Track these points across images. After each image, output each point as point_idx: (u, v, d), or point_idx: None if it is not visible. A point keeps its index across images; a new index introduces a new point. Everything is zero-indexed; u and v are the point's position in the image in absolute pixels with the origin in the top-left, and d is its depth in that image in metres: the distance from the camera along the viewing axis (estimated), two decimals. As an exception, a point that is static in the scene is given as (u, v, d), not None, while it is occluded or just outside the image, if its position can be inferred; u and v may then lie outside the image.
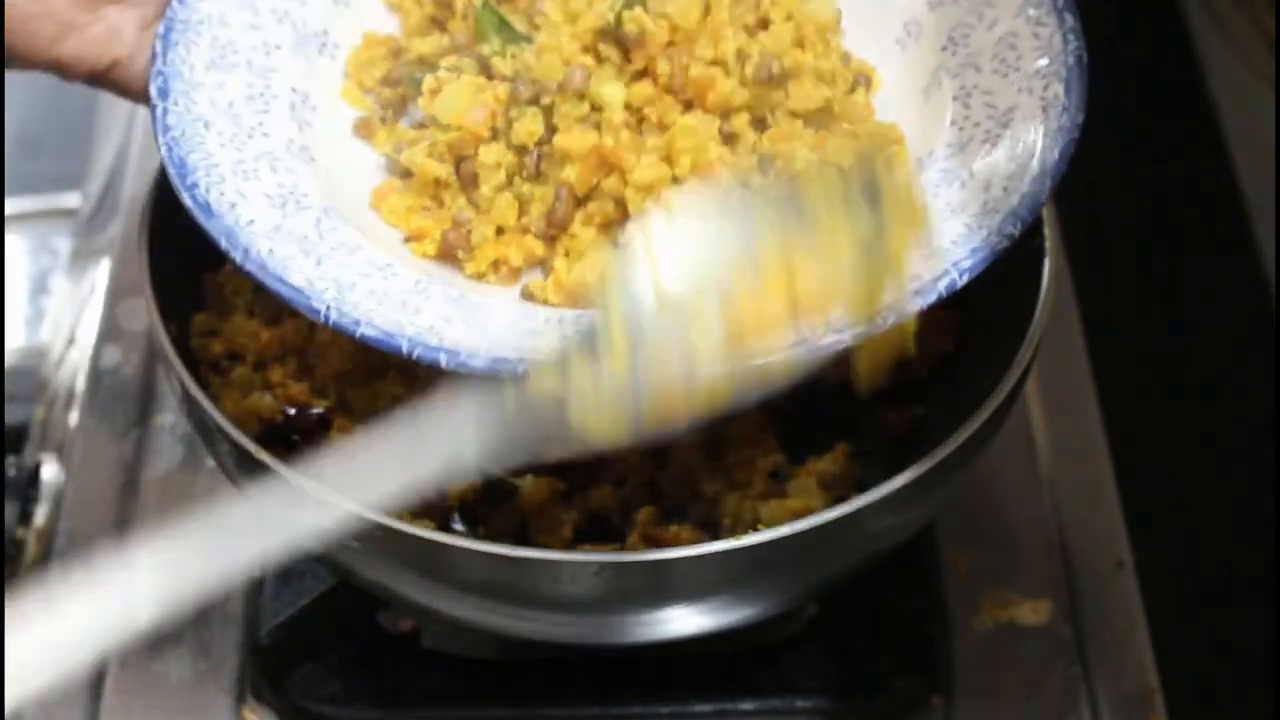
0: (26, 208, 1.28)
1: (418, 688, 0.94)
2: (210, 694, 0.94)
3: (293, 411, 0.90)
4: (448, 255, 0.81)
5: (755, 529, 0.89)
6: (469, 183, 0.82)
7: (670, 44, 0.80)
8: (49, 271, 1.23)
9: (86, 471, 1.03)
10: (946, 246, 0.76)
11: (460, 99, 0.81)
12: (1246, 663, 1.02)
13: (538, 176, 0.81)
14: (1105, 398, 1.05)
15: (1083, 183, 1.20)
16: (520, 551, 0.77)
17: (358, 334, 0.74)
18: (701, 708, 0.92)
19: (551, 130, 0.81)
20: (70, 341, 1.11)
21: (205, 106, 0.81)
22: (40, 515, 1.02)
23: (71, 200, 1.23)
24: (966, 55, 0.84)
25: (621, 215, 0.80)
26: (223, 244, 0.76)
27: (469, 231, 0.81)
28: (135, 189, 1.16)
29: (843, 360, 1.00)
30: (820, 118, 0.83)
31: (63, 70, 0.82)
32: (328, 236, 0.79)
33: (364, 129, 0.87)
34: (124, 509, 1.01)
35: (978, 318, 0.94)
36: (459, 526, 0.89)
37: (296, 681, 0.94)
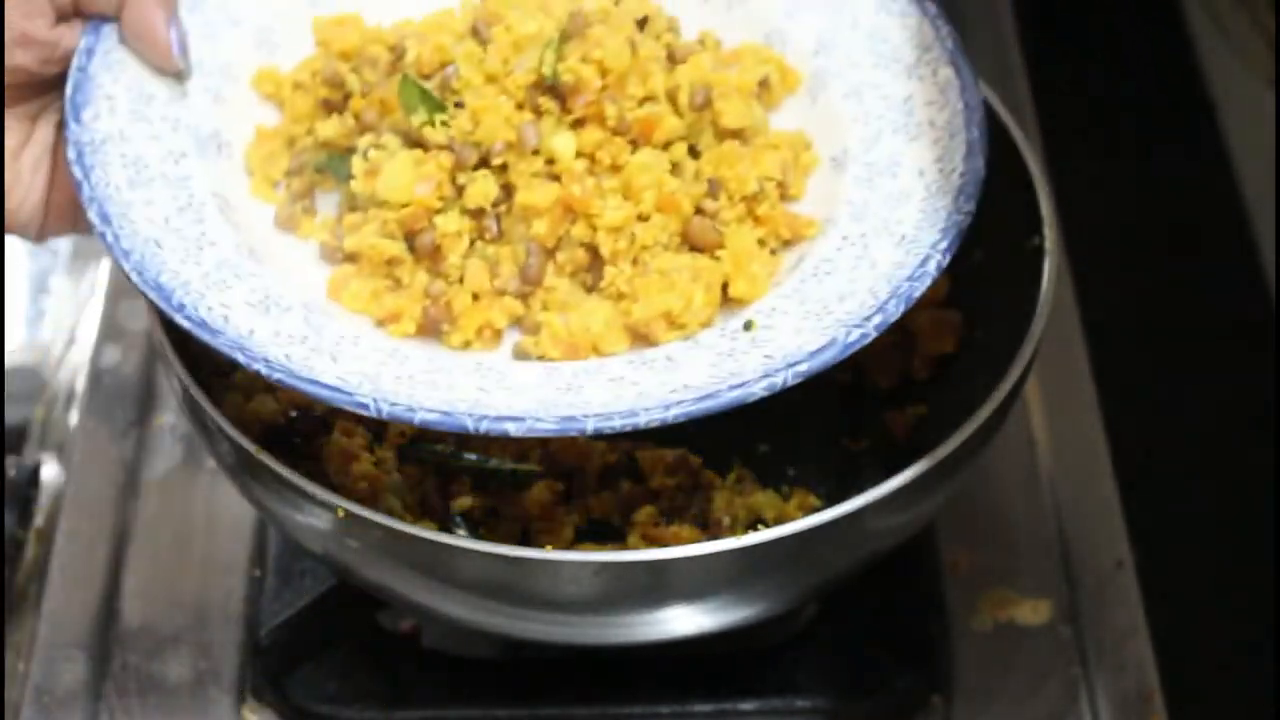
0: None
1: (418, 688, 0.94)
2: (210, 694, 0.94)
3: (294, 414, 0.90)
4: (430, 330, 0.81)
5: (754, 528, 0.90)
6: (429, 255, 0.81)
7: (604, 87, 0.82)
8: (49, 271, 1.23)
9: (86, 471, 1.03)
10: (910, 232, 0.80)
11: (403, 175, 0.81)
12: (1247, 663, 1.02)
13: (500, 237, 0.81)
14: (1105, 398, 1.05)
15: (1083, 183, 1.20)
16: (520, 551, 0.77)
17: (416, 420, 0.74)
18: (701, 708, 0.92)
19: (506, 189, 0.81)
20: (70, 341, 1.11)
21: (146, 226, 0.79)
22: (40, 515, 1.02)
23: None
24: (841, 55, 0.87)
25: (593, 259, 0.82)
26: (240, 359, 0.75)
27: (448, 303, 0.80)
28: (135, 189, 1.16)
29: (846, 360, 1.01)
30: (744, 134, 0.85)
31: None
32: (324, 332, 0.78)
33: (287, 222, 0.85)
34: (124, 509, 1.01)
35: (978, 318, 0.94)
36: (461, 530, 0.89)
37: (296, 681, 0.94)
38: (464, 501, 0.91)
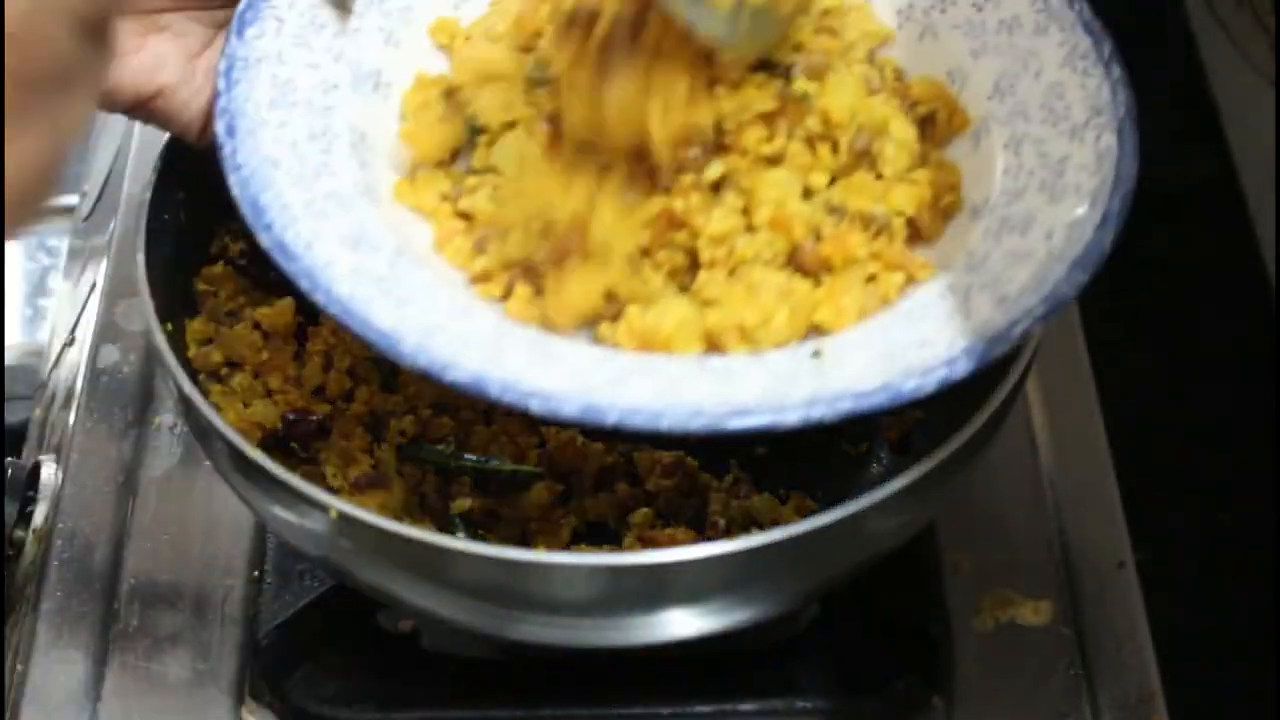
0: (25, 207, 1.28)
1: (417, 688, 0.94)
2: (210, 694, 0.94)
3: (292, 417, 0.90)
4: (518, 298, 0.80)
5: (750, 531, 0.90)
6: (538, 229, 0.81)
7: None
8: (47, 271, 1.23)
9: (85, 471, 1.03)
10: (1014, 293, 0.76)
11: (522, 150, 0.82)
12: (1247, 663, 1.02)
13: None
14: (1105, 398, 1.05)
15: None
16: (517, 554, 0.77)
17: (446, 379, 0.73)
18: (701, 708, 0.92)
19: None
20: (69, 341, 1.11)
21: (271, 145, 0.81)
22: (39, 515, 1.02)
23: (70, 200, 1.22)
24: (1014, 104, 0.84)
25: (690, 264, 0.81)
26: (304, 285, 0.76)
27: (541, 274, 0.80)
28: (133, 189, 1.16)
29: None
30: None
31: (106, 99, 0.82)
32: (404, 279, 0.78)
33: (417, 171, 0.86)
34: (122, 509, 1.01)
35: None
36: (460, 531, 0.89)
37: (296, 682, 0.94)
38: (463, 503, 0.91)
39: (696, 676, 0.93)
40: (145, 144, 1.18)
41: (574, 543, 0.91)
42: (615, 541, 0.91)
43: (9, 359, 1.14)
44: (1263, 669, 0.99)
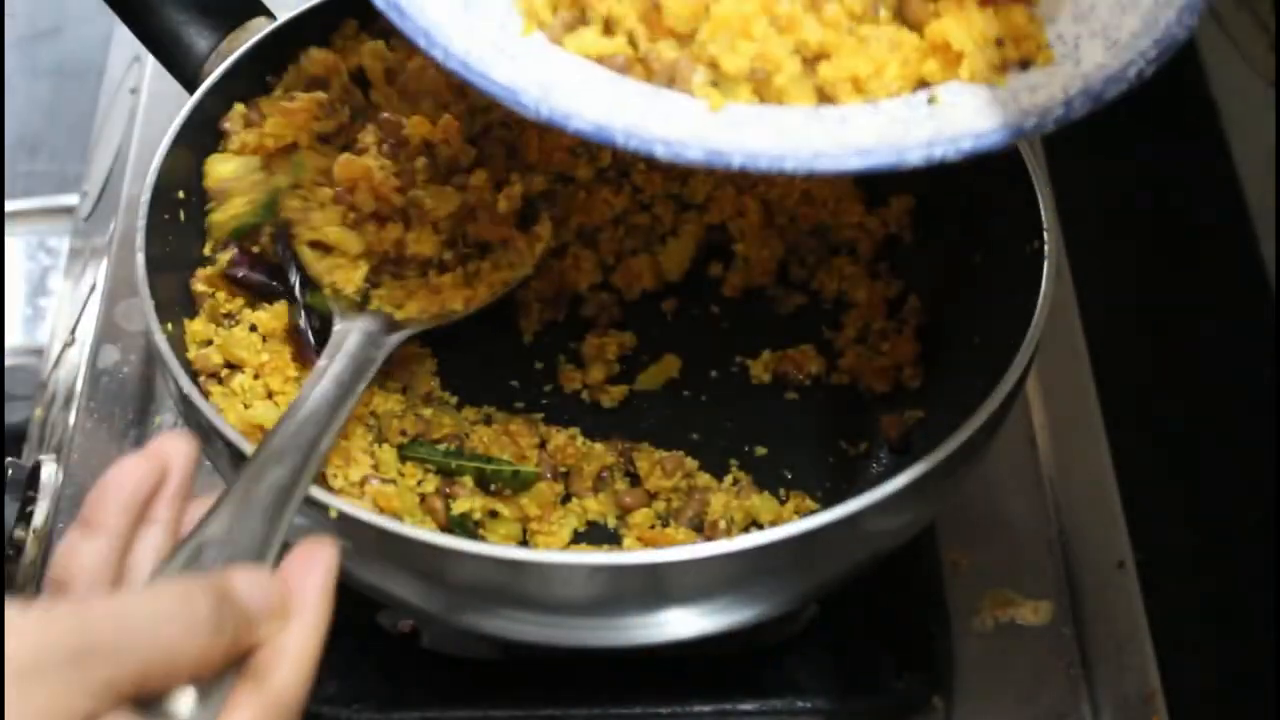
0: (25, 207, 1.29)
1: (417, 688, 0.93)
2: (209, 694, 0.94)
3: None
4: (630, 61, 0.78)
5: (749, 530, 0.90)
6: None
7: None
8: (48, 271, 1.24)
9: (85, 471, 1.03)
10: (1125, 38, 0.76)
11: None
12: (1248, 663, 1.02)
13: None
14: (1105, 398, 1.05)
15: (1083, 182, 1.20)
16: (517, 554, 0.77)
17: (570, 128, 0.72)
18: (701, 708, 0.92)
19: None
20: (69, 341, 1.11)
21: None
22: (39, 515, 1.02)
23: (70, 200, 1.23)
24: None
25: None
26: (421, 43, 0.75)
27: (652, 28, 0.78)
28: (133, 189, 1.16)
29: (847, 361, 1.00)
30: None
31: None
32: (515, 40, 0.77)
33: None
34: (123, 509, 1.01)
35: (977, 318, 0.94)
36: (460, 532, 0.89)
37: (295, 682, 0.93)
38: (464, 503, 0.91)
39: (696, 676, 0.93)
40: (145, 144, 1.18)
41: (574, 543, 0.91)
42: (615, 541, 0.91)
43: (9, 359, 1.14)
44: (1262, 669, 0.99)
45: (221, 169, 0.94)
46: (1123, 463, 1.02)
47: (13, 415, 1.09)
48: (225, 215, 0.94)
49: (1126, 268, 1.20)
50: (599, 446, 0.94)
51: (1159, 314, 1.17)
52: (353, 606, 0.92)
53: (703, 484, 0.94)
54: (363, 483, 0.89)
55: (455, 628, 0.90)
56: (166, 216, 0.90)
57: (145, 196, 0.88)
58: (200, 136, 0.93)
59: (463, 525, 0.89)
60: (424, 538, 0.77)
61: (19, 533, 1.01)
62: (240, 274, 0.93)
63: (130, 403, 1.06)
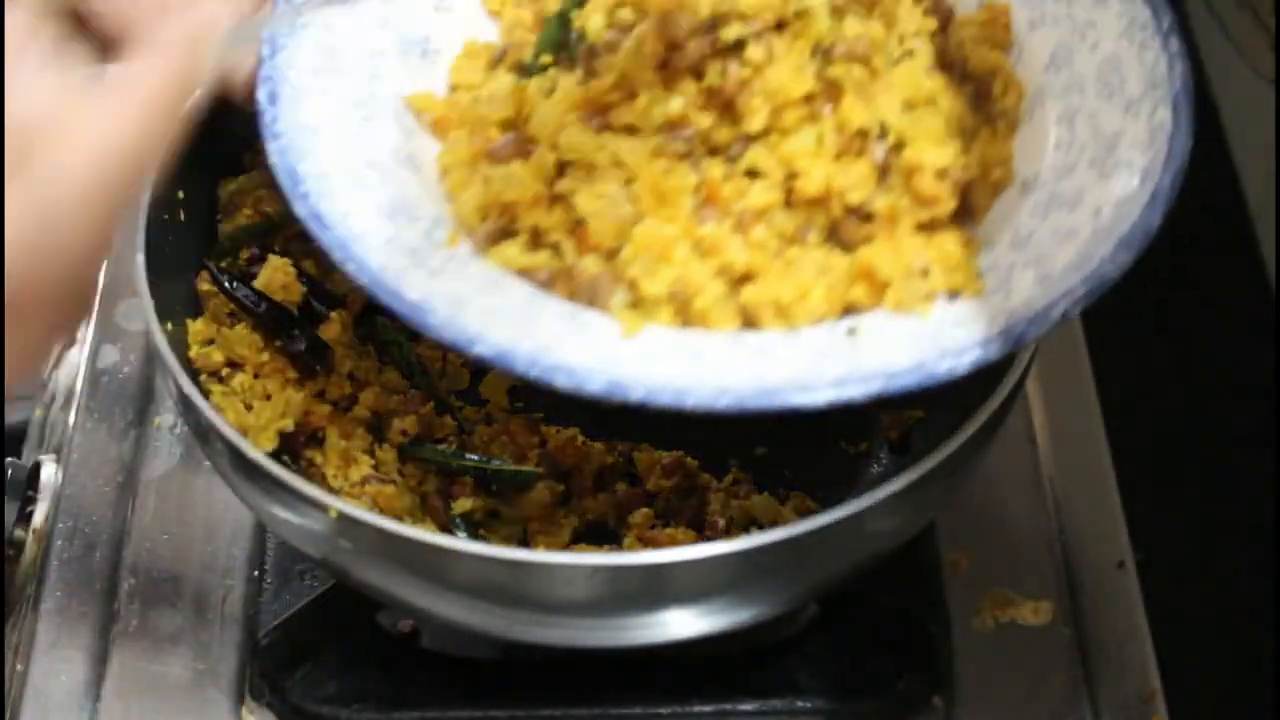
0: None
1: (417, 688, 0.94)
2: (209, 694, 0.94)
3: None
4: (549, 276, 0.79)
5: (749, 530, 0.90)
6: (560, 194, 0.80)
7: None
8: (48, 271, 1.23)
9: (85, 471, 1.03)
10: (1058, 272, 0.74)
11: (557, 108, 0.80)
12: (1248, 663, 1.02)
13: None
14: (1105, 398, 1.05)
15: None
16: (517, 554, 0.77)
17: (472, 352, 0.72)
18: (701, 708, 0.92)
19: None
20: (68, 342, 1.11)
21: (312, 113, 0.80)
22: (39, 515, 1.02)
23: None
24: (1070, 77, 0.82)
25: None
26: (336, 256, 0.75)
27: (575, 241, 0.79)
28: (134, 189, 1.16)
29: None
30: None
31: None
32: (439, 249, 0.77)
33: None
34: (122, 509, 1.01)
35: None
36: (461, 532, 0.89)
37: (296, 682, 0.94)
38: (465, 503, 0.91)
39: (696, 676, 0.93)
40: (145, 144, 1.18)
41: (574, 543, 0.91)
42: (615, 541, 0.91)
43: (9, 359, 1.14)
44: (1262, 669, 0.99)
45: (230, 184, 0.95)
46: (1123, 463, 1.02)
47: (13, 415, 1.09)
48: (234, 227, 0.94)
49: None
50: (599, 446, 0.94)
51: (1159, 314, 1.17)
52: (353, 606, 0.93)
53: (702, 484, 0.94)
54: (363, 483, 0.89)
55: (455, 628, 0.90)
56: (166, 217, 0.90)
57: (146, 196, 0.88)
58: (199, 136, 0.93)
59: (462, 525, 0.89)
60: (424, 538, 0.77)
61: (19, 533, 1.01)
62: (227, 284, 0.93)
63: (130, 403, 1.06)
